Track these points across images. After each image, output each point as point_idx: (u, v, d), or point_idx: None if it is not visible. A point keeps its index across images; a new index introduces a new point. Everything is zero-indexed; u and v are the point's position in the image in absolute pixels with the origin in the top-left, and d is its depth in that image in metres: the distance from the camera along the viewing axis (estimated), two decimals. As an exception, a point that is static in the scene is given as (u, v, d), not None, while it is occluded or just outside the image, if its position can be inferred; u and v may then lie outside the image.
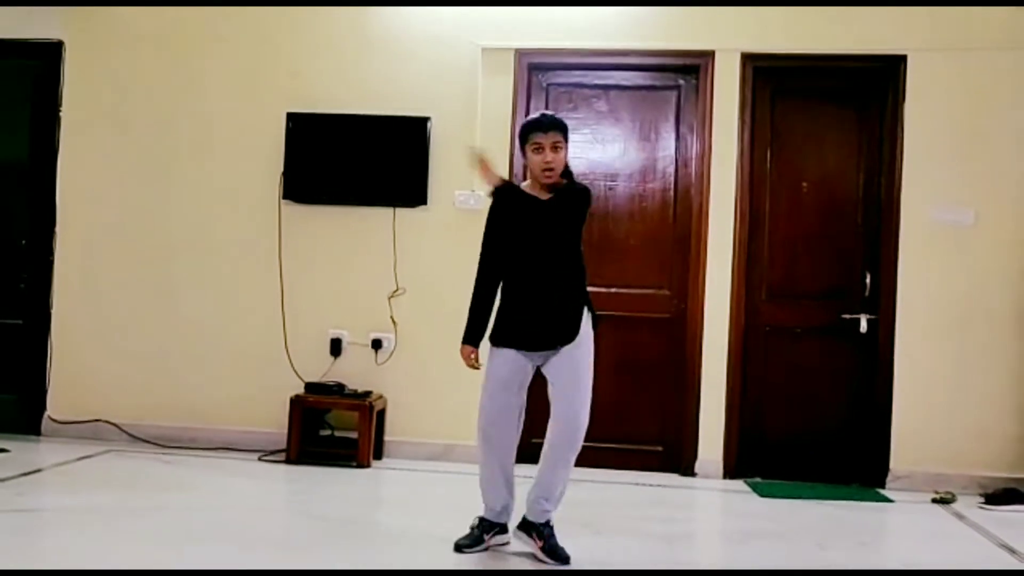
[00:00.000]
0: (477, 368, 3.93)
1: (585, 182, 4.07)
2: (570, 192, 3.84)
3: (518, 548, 3.91)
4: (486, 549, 3.89)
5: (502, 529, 3.94)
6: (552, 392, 3.87)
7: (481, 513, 3.96)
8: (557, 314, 3.81)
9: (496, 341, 3.87)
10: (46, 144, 6.06)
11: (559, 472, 3.83)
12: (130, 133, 6.01)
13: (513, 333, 3.84)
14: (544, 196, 3.84)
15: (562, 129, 3.82)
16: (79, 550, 3.71)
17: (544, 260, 3.82)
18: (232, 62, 5.97)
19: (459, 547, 3.87)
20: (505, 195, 3.86)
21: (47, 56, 6.05)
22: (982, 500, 5.18)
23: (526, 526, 3.88)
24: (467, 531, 3.94)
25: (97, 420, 5.93)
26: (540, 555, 3.79)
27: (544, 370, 3.88)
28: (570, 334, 3.80)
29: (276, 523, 4.44)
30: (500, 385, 3.84)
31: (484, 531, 3.91)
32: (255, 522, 4.33)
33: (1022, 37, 5.49)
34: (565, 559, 3.77)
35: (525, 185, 3.94)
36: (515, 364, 3.84)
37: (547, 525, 3.83)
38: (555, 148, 3.78)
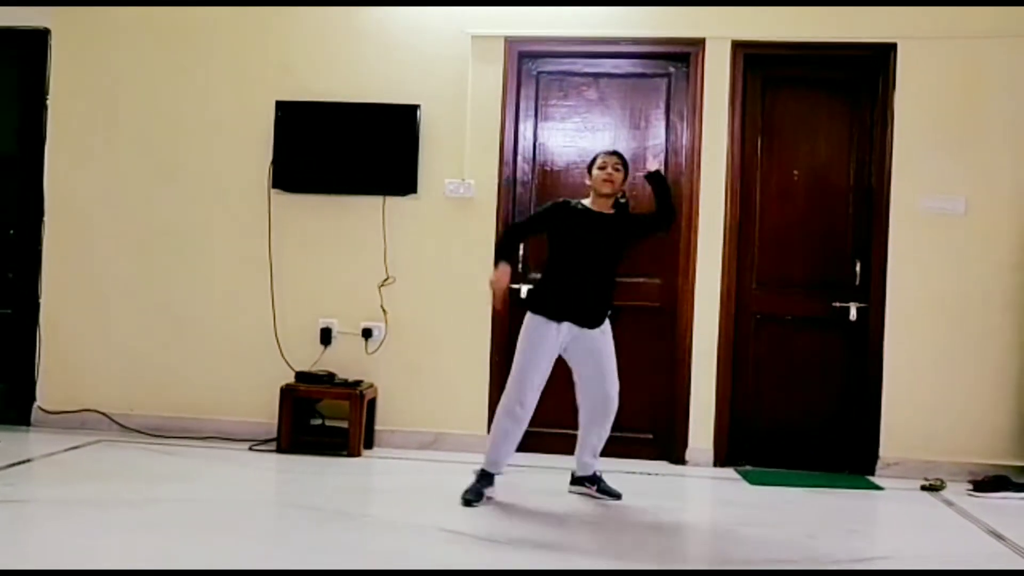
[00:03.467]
0: (503, 287, 4.64)
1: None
2: (625, 212, 4.75)
3: (553, 489, 4.79)
4: (488, 501, 4.54)
5: (492, 482, 4.64)
6: (582, 374, 4.65)
7: (484, 468, 4.61)
8: (598, 300, 4.63)
9: (555, 316, 4.56)
10: (34, 133, 6.02)
11: (598, 435, 4.70)
12: (118, 122, 5.98)
13: (566, 309, 4.57)
14: (604, 211, 4.67)
15: (625, 162, 4.74)
16: (69, 541, 3.70)
17: (595, 258, 4.62)
18: (221, 50, 5.94)
19: (468, 503, 4.49)
20: (562, 208, 4.69)
21: (33, 44, 6.01)
22: (971, 487, 5.20)
23: (578, 480, 4.78)
24: (470, 485, 4.55)
25: (87, 410, 5.91)
26: (597, 495, 4.70)
27: (570, 357, 4.64)
28: (602, 317, 4.64)
29: (268, 514, 4.44)
30: (546, 355, 4.55)
31: (484, 486, 4.57)
32: (247, 512, 4.32)
33: (1013, 25, 5.49)
34: (617, 495, 4.68)
35: (586, 201, 4.71)
36: (558, 336, 4.56)
37: (595, 475, 4.73)
38: (616, 168, 4.66)
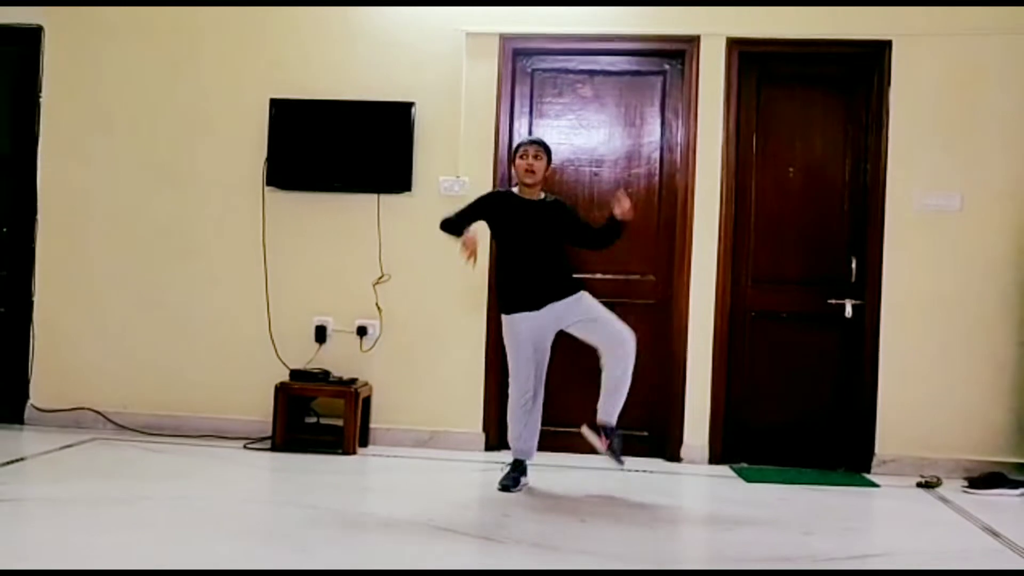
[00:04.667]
0: (472, 250, 4.63)
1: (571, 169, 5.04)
2: (557, 202, 4.90)
3: (548, 488, 4.86)
4: (522, 488, 4.77)
5: (526, 470, 4.88)
6: (589, 338, 4.72)
7: (514, 456, 4.89)
8: (549, 281, 4.73)
9: (509, 310, 4.77)
10: (27, 131, 6.00)
11: (615, 366, 4.67)
12: (111, 120, 5.96)
13: (521, 300, 4.73)
14: (534, 198, 4.82)
15: (545, 147, 4.85)
16: (62, 541, 3.68)
17: (532, 244, 4.74)
18: (215, 48, 5.92)
19: (506, 488, 4.72)
20: (499, 195, 4.91)
21: (26, 42, 5.98)
22: (966, 484, 5.19)
23: (594, 426, 4.74)
24: (506, 473, 4.82)
25: (81, 408, 5.90)
26: (604, 451, 4.74)
27: (573, 333, 4.75)
28: (562, 293, 4.71)
29: (263, 512, 4.41)
30: (523, 346, 4.73)
31: (522, 473, 4.83)
32: (241, 511, 4.30)
33: (1008, 21, 5.48)
34: (620, 461, 4.76)
35: (515, 190, 4.90)
36: (528, 324, 4.72)
37: (615, 429, 4.73)
38: (536, 156, 4.78)
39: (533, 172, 4.78)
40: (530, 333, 4.75)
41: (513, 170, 4.94)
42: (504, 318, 4.83)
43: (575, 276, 4.87)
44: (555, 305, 4.72)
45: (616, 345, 4.68)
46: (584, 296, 4.77)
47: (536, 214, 4.79)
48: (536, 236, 4.76)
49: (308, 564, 3.52)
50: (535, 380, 4.80)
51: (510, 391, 4.88)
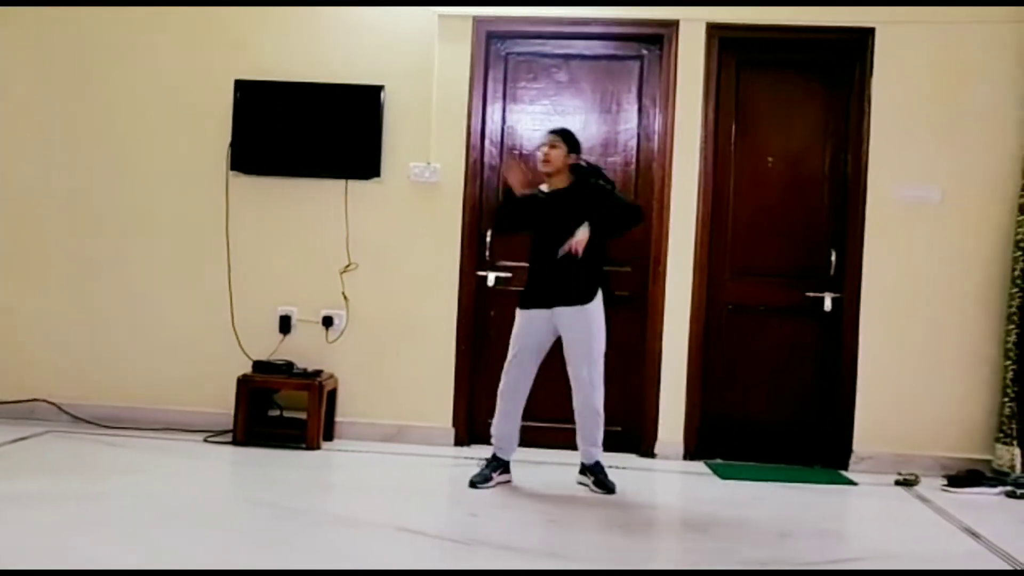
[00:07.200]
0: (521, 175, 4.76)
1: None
2: (579, 188, 4.74)
3: (519, 485, 4.72)
4: (495, 485, 4.64)
5: (507, 468, 4.76)
6: (565, 358, 4.69)
7: (495, 454, 4.77)
8: (568, 279, 4.65)
9: (523, 305, 4.76)
10: (-21, 111, 5.80)
11: (590, 424, 4.70)
12: (64, 100, 5.74)
13: (534, 297, 4.73)
14: (559, 187, 4.77)
15: (561, 135, 4.80)
16: (14, 540, 3.53)
17: (557, 238, 4.63)
18: (177, 26, 5.71)
19: (473, 484, 4.61)
20: (526, 197, 4.79)
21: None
22: (945, 482, 5.10)
23: (583, 469, 4.75)
24: (478, 470, 4.72)
25: (35, 400, 5.71)
26: (593, 488, 4.66)
27: (562, 338, 4.70)
28: (573, 298, 4.63)
29: (223, 509, 4.27)
30: (528, 339, 4.69)
31: (493, 469, 4.70)
32: (201, 508, 4.15)
33: (992, 11, 5.37)
34: (611, 490, 4.64)
35: (544, 186, 4.83)
36: (535, 323, 4.69)
37: (597, 465, 4.71)
38: (552, 146, 4.74)
39: (548, 161, 4.73)
40: (537, 331, 4.69)
41: None
42: (518, 311, 4.76)
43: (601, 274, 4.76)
44: (562, 309, 4.65)
45: (577, 395, 4.70)
46: (590, 312, 4.65)
47: (552, 207, 4.71)
48: (551, 231, 4.67)
49: (266, 563, 3.38)
50: (525, 377, 4.72)
51: (502, 376, 4.76)
